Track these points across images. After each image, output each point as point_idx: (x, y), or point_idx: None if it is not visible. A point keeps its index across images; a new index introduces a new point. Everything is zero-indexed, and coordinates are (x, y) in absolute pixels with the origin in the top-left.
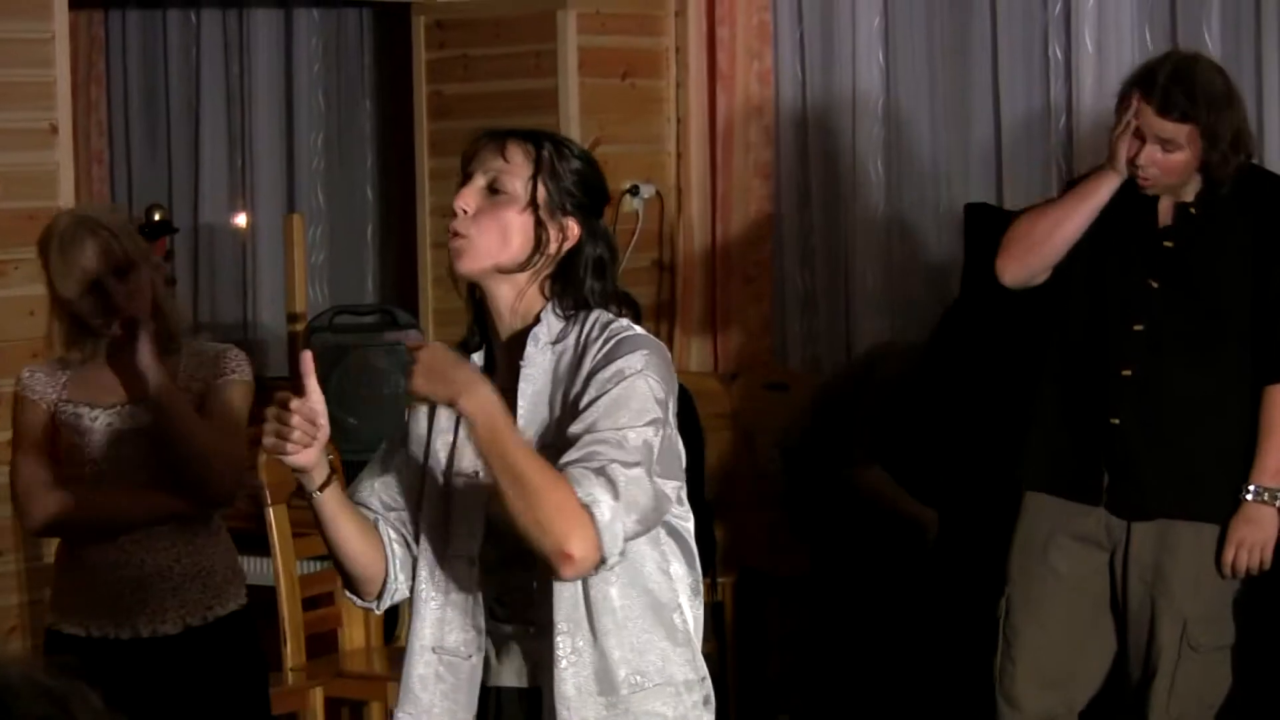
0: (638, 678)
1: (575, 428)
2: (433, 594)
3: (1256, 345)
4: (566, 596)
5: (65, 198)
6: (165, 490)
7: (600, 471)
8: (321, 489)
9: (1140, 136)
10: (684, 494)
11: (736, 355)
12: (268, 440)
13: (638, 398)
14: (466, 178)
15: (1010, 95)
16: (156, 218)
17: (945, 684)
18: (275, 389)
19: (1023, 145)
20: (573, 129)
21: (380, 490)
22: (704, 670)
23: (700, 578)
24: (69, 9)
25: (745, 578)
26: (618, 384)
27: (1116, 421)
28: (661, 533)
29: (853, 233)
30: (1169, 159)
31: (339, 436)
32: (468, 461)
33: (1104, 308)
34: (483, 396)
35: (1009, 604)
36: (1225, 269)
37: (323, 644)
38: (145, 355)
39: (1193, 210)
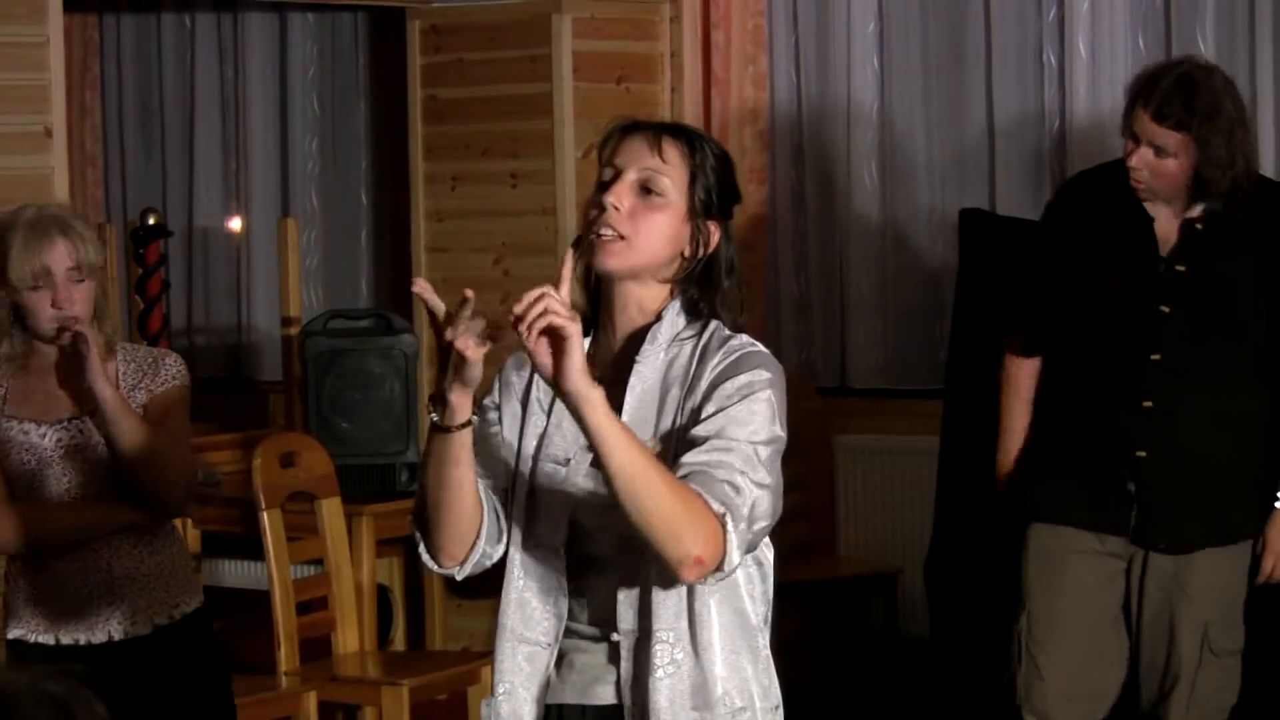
0: (730, 698)
1: (701, 430)
2: (516, 578)
3: (1274, 363)
4: (670, 606)
5: (60, 202)
6: (121, 502)
7: (731, 482)
8: (465, 425)
9: (1135, 138)
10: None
11: None
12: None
13: (766, 412)
14: (615, 173)
15: (1004, 100)
16: (151, 221)
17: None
18: (271, 393)
19: (1016, 150)
20: (567, 133)
21: (478, 457)
22: (779, 699)
23: (771, 609)
24: (63, 13)
25: None
26: (748, 396)
27: (1143, 454)
28: (749, 558)
29: (846, 237)
30: (1160, 164)
31: (332, 441)
32: (556, 449)
33: (1116, 337)
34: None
35: (1030, 619)
36: (1241, 290)
37: (316, 648)
38: (95, 371)
39: (1199, 226)
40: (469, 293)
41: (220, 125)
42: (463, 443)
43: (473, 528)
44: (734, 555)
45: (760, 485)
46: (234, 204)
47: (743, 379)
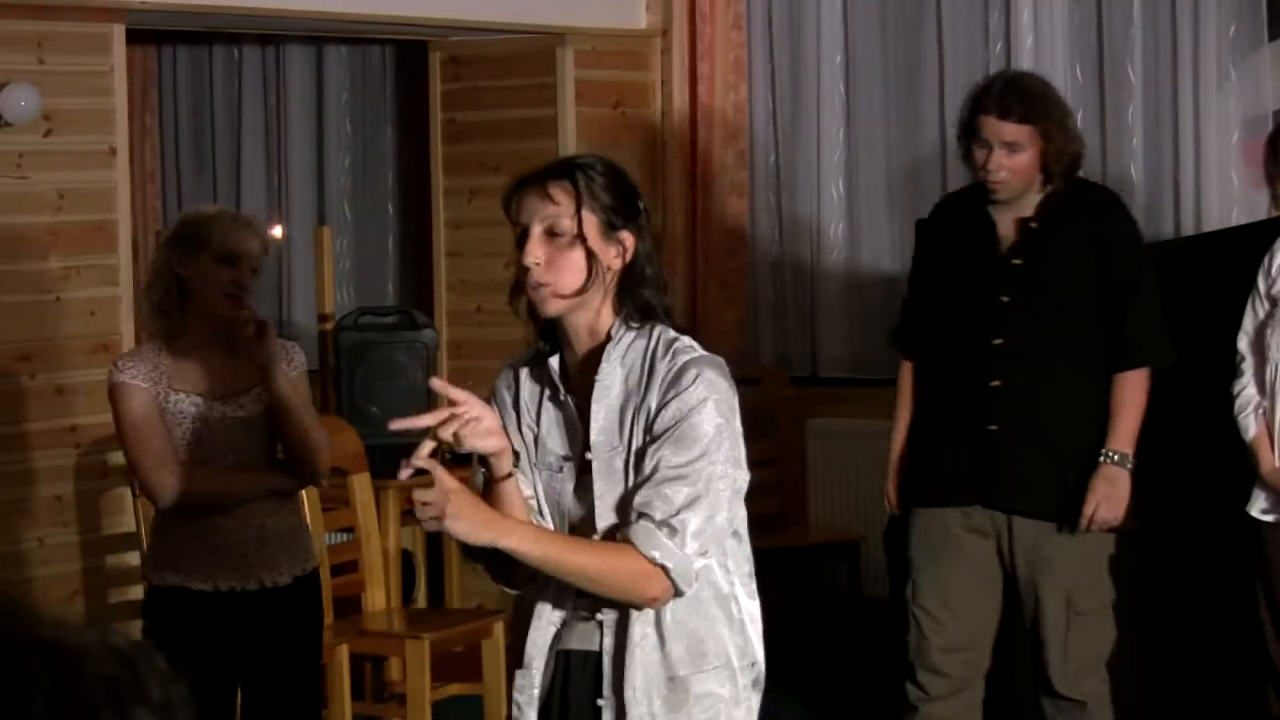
0: (698, 660)
1: (650, 460)
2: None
3: (1106, 341)
4: None
5: (122, 212)
6: (274, 469)
7: (668, 525)
8: (508, 476)
9: (986, 145)
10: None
11: (713, 353)
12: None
13: (699, 431)
14: (523, 230)
15: (955, 123)
16: None
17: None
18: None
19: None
20: (569, 152)
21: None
22: (756, 655)
23: (753, 570)
24: (126, 45)
25: None
26: (683, 421)
27: (994, 428)
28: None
29: (817, 244)
30: (1015, 160)
31: (362, 423)
32: (549, 456)
33: (965, 327)
34: (516, 531)
35: (915, 589)
36: (1070, 278)
37: (348, 606)
38: (269, 354)
39: (1033, 225)
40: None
41: (264, 145)
42: (514, 487)
43: None
44: (683, 585)
45: (703, 509)
46: (276, 214)
47: (679, 402)
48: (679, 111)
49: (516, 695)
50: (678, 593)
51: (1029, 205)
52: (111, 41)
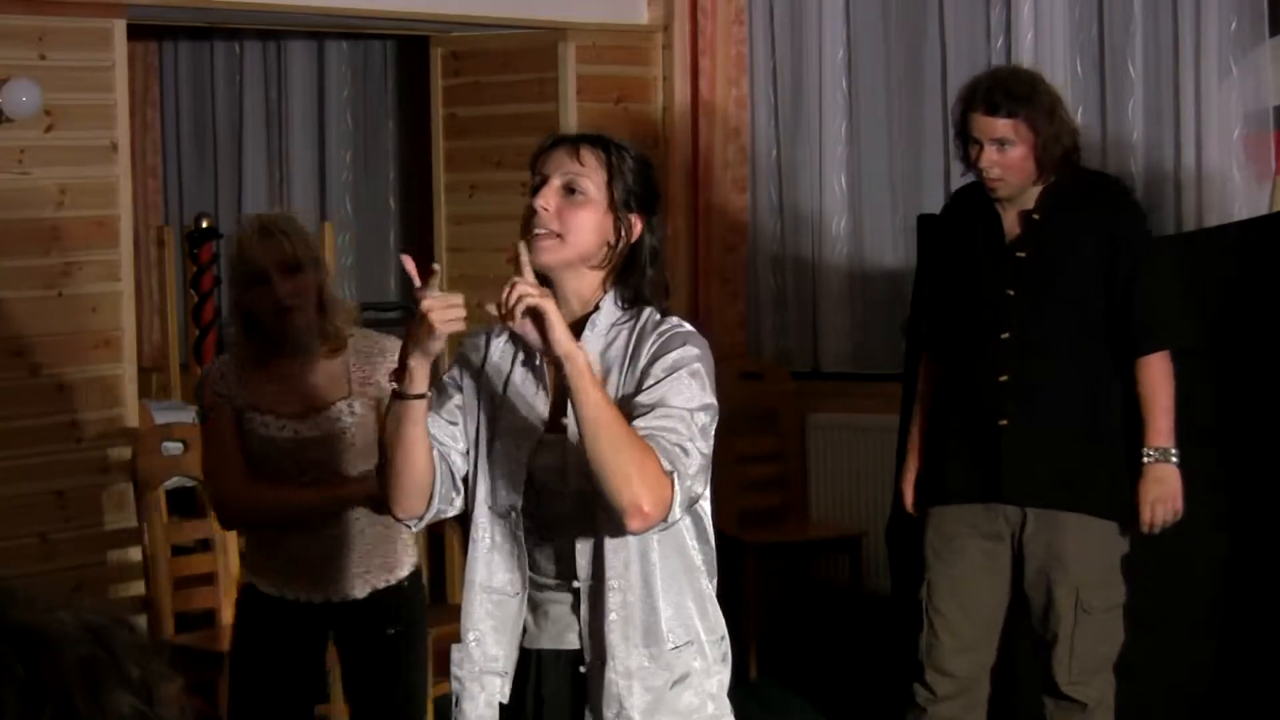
0: (673, 634)
1: (644, 398)
2: (481, 538)
3: (1114, 331)
4: (619, 556)
5: (124, 208)
6: (349, 484)
7: (680, 446)
8: (420, 396)
9: (977, 142)
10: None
11: (715, 348)
12: (444, 321)
13: (700, 382)
14: (542, 180)
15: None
16: (204, 225)
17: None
18: None
19: None
20: None
21: (435, 425)
22: (724, 630)
23: (715, 557)
24: (127, 40)
25: (723, 543)
26: (685, 368)
27: (1005, 423)
28: (689, 511)
29: (819, 239)
30: (1006, 156)
31: None
32: (513, 422)
33: (973, 322)
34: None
35: (930, 588)
36: (1075, 269)
37: None
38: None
39: (1036, 217)
40: (436, 266)
41: (265, 140)
42: (417, 411)
43: (425, 485)
44: (677, 510)
45: (701, 453)
46: (277, 209)
47: (674, 355)
48: (680, 107)
49: (455, 670)
50: (667, 517)
51: (1031, 198)
52: (113, 36)
